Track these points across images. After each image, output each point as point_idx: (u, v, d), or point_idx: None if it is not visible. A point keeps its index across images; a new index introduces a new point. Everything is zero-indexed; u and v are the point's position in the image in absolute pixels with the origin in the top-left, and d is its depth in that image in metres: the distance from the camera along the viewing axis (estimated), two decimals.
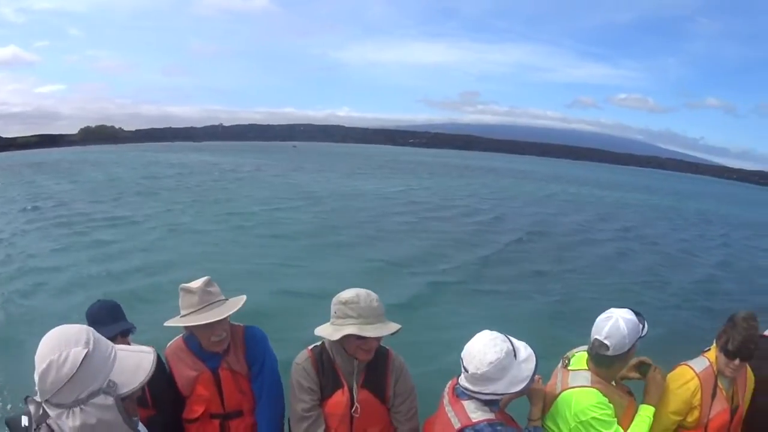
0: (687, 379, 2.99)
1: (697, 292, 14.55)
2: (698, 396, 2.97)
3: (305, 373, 2.79)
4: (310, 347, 2.88)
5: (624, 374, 2.95)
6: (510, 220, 25.95)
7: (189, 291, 2.88)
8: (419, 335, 8.96)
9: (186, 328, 2.93)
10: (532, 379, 2.47)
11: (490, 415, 2.44)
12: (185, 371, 2.99)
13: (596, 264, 17.31)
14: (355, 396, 2.78)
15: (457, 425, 2.44)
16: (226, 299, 2.96)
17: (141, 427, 1.82)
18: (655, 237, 24.72)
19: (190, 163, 55.72)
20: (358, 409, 2.77)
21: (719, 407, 2.99)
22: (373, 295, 2.74)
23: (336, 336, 2.63)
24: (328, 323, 2.74)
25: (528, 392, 2.69)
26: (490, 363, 2.36)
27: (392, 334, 2.69)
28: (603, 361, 2.73)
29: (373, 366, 2.83)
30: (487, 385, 2.39)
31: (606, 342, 2.66)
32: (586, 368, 2.82)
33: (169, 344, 3.09)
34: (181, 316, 2.90)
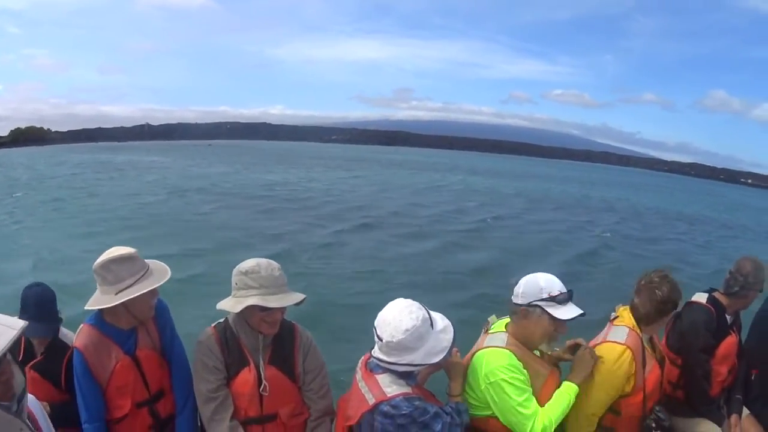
0: (619, 353, 2.92)
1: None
2: (633, 365, 2.94)
3: (209, 352, 2.67)
4: (213, 324, 2.76)
5: (559, 355, 2.90)
6: (408, 213, 27.19)
7: (131, 258, 2.69)
8: (327, 313, 9.66)
9: (101, 311, 2.72)
10: (449, 351, 2.40)
11: (407, 389, 2.34)
12: (105, 361, 2.72)
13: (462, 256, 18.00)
14: (262, 373, 2.67)
15: (372, 401, 2.33)
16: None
17: (35, 404, 1.83)
18: (530, 222, 27.12)
19: (91, 163, 56.47)
20: (267, 387, 2.66)
21: (650, 365, 3.03)
22: (275, 264, 2.65)
23: (238, 308, 2.53)
24: (230, 297, 2.63)
25: (446, 366, 2.65)
26: (407, 330, 2.27)
27: (297, 304, 2.62)
28: (516, 311, 2.66)
29: (280, 342, 2.74)
30: (404, 355, 2.31)
31: (520, 289, 2.65)
32: (505, 331, 2.76)
33: (76, 334, 2.79)
34: (130, 286, 2.65)
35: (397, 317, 2.31)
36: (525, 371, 2.62)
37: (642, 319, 3.06)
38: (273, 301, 2.56)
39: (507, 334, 2.74)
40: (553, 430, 2.57)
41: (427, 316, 2.37)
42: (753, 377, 3.80)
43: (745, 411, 3.73)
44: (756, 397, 3.74)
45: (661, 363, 3.20)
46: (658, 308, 3.02)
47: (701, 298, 3.71)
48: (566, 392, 2.68)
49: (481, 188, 46.87)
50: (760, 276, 3.62)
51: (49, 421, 1.99)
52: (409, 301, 2.40)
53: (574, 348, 2.91)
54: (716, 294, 3.72)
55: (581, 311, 2.63)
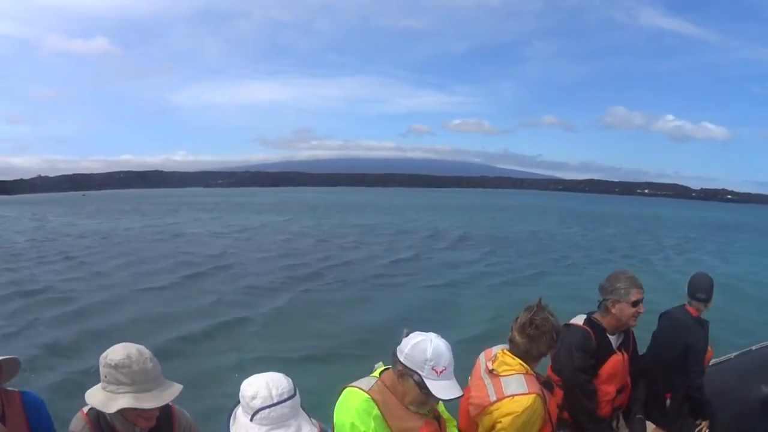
0: (530, 403, 2.84)
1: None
2: (544, 407, 2.93)
3: None
4: (84, 410, 2.46)
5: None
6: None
7: None
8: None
9: None
10: None
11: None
12: None
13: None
14: None
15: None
16: None
17: None
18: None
19: None
20: None
21: (552, 402, 3.05)
22: (146, 354, 2.38)
23: (111, 409, 2.29)
24: (98, 386, 2.38)
25: None
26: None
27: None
28: (395, 365, 2.51)
29: (157, 429, 2.48)
30: None
31: (406, 348, 2.46)
32: (378, 377, 2.63)
33: None
34: None
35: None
36: (376, 422, 2.45)
37: (536, 357, 3.00)
38: (148, 400, 2.31)
39: (378, 380, 2.59)
40: None
41: None
42: (668, 402, 3.92)
43: (650, 426, 3.79)
44: (675, 418, 3.90)
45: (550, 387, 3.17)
46: (550, 344, 2.98)
47: (579, 320, 3.62)
48: None
49: (309, 225, 46.24)
50: (616, 283, 3.51)
51: None
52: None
53: None
54: (595, 315, 3.62)
55: (460, 393, 2.52)
